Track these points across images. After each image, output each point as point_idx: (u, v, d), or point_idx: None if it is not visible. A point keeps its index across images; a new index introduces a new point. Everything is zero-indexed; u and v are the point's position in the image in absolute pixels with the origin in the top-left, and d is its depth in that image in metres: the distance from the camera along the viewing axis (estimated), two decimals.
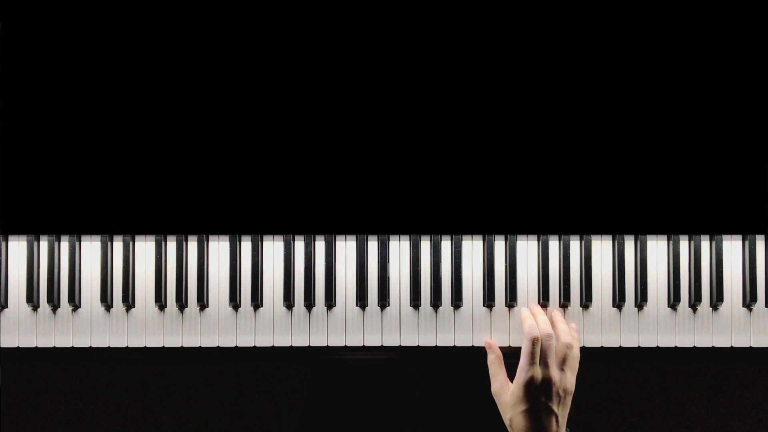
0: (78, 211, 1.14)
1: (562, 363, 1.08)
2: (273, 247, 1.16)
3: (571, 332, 1.12)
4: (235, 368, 1.29)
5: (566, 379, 1.07)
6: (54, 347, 1.15)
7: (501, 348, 1.15)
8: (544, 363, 1.07)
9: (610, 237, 1.17)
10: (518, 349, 1.13)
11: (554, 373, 1.06)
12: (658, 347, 1.15)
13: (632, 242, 1.17)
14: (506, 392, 1.09)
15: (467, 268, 1.16)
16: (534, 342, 1.07)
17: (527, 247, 1.16)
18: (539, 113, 1.15)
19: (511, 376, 1.10)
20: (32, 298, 1.14)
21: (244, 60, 1.14)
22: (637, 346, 1.15)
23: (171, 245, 1.16)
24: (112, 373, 1.31)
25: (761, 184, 1.14)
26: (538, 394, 1.05)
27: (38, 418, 1.31)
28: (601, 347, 1.16)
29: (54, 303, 1.14)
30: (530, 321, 1.10)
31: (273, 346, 1.15)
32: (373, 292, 1.16)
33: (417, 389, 1.31)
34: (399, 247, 1.17)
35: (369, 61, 1.15)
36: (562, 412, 1.07)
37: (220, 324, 1.15)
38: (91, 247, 1.16)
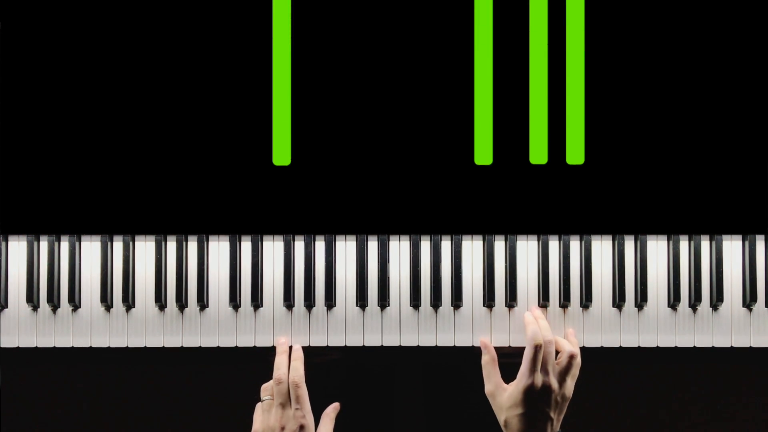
0: (78, 211, 1.14)
1: (565, 373, 1.08)
2: (273, 247, 1.16)
3: (569, 337, 1.14)
4: (235, 368, 1.29)
5: (566, 387, 1.08)
6: (54, 347, 1.15)
7: (501, 348, 1.15)
8: (545, 370, 1.07)
9: (610, 237, 1.17)
10: (518, 349, 1.13)
11: (554, 380, 1.07)
12: (658, 347, 1.15)
13: (632, 242, 1.17)
14: (501, 393, 1.09)
15: (467, 268, 1.16)
16: (537, 349, 1.07)
17: (527, 247, 1.17)
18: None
19: (506, 376, 1.11)
20: (32, 298, 1.14)
21: (244, 60, 1.14)
22: (637, 346, 1.15)
23: (171, 245, 1.16)
24: (112, 373, 1.31)
25: (761, 184, 1.14)
26: (536, 400, 1.06)
27: (38, 418, 1.31)
28: (601, 347, 1.16)
29: (54, 303, 1.14)
30: (533, 326, 1.10)
31: (273, 346, 1.15)
32: (373, 292, 1.16)
33: (417, 389, 1.31)
34: (399, 247, 1.17)
35: (368, 60, 1.15)
36: (557, 416, 1.08)
37: (220, 324, 1.16)
38: (91, 247, 1.16)
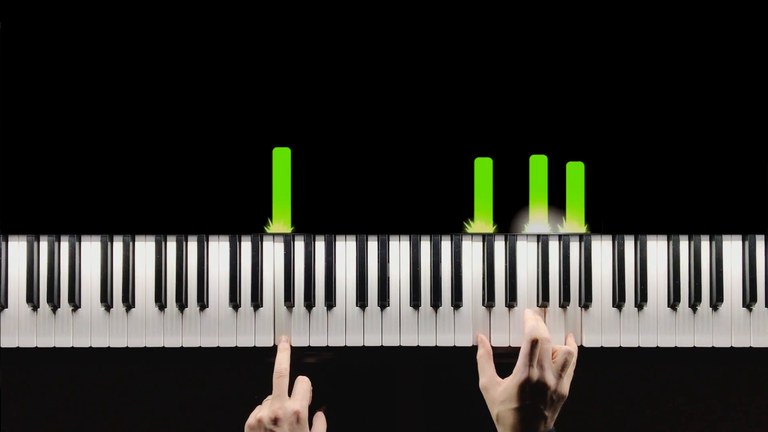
0: (78, 211, 1.14)
1: (561, 369, 1.08)
2: (273, 247, 1.16)
3: (569, 340, 1.14)
4: (235, 368, 1.29)
5: (562, 385, 1.08)
6: (54, 347, 1.15)
7: (501, 348, 1.15)
8: (541, 366, 1.06)
9: (610, 237, 1.17)
10: (518, 349, 1.13)
11: (549, 377, 1.06)
12: (658, 347, 1.15)
13: (632, 242, 1.17)
14: (495, 387, 1.09)
15: (467, 268, 1.16)
16: (534, 344, 1.07)
17: (527, 247, 1.16)
18: (538, 113, 1.15)
19: (501, 373, 1.11)
20: (32, 298, 1.14)
21: (244, 61, 1.14)
22: (637, 346, 1.15)
23: (171, 245, 1.16)
24: (112, 373, 1.31)
25: (761, 184, 1.14)
26: (531, 395, 1.05)
27: (38, 418, 1.31)
28: (601, 347, 1.16)
29: (54, 303, 1.14)
30: (532, 322, 1.10)
31: (274, 346, 1.15)
32: (373, 292, 1.16)
33: (417, 389, 1.31)
34: (399, 247, 1.17)
35: (368, 61, 1.15)
36: (551, 414, 1.07)
37: (220, 324, 1.16)
38: (91, 247, 1.16)
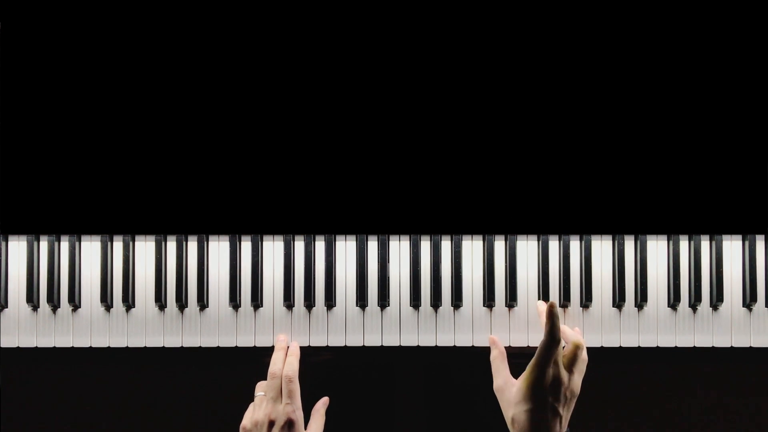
0: (78, 211, 1.14)
1: (572, 365, 1.06)
2: (273, 247, 1.16)
3: (574, 330, 1.13)
4: (235, 368, 1.29)
5: (574, 382, 1.06)
6: (54, 347, 1.15)
7: None
8: (555, 362, 1.04)
9: (610, 237, 1.17)
10: (518, 349, 1.13)
11: (564, 374, 1.04)
12: (658, 347, 1.15)
13: (632, 242, 1.17)
14: (509, 389, 1.07)
15: (467, 268, 1.16)
16: (556, 344, 1.03)
17: (527, 247, 1.17)
18: (540, 113, 1.15)
19: (514, 373, 1.10)
20: (32, 298, 1.14)
21: (243, 61, 1.14)
22: (637, 346, 1.15)
23: (171, 245, 1.16)
24: (112, 373, 1.31)
25: (761, 184, 1.14)
26: (546, 393, 1.03)
27: (38, 418, 1.31)
28: (601, 347, 1.16)
29: (54, 303, 1.14)
30: (558, 322, 1.05)
31: (273, 346, 1.15)
32: (373, 292, 1.16)
33: (417, 389, 1.31)
34: (399, 247, 1.17)
35: (368, 62, 1.15)
36: (566, 414, 1.05)
37: (220, 324, 1.16)
38: (91, 247, 1.16)
